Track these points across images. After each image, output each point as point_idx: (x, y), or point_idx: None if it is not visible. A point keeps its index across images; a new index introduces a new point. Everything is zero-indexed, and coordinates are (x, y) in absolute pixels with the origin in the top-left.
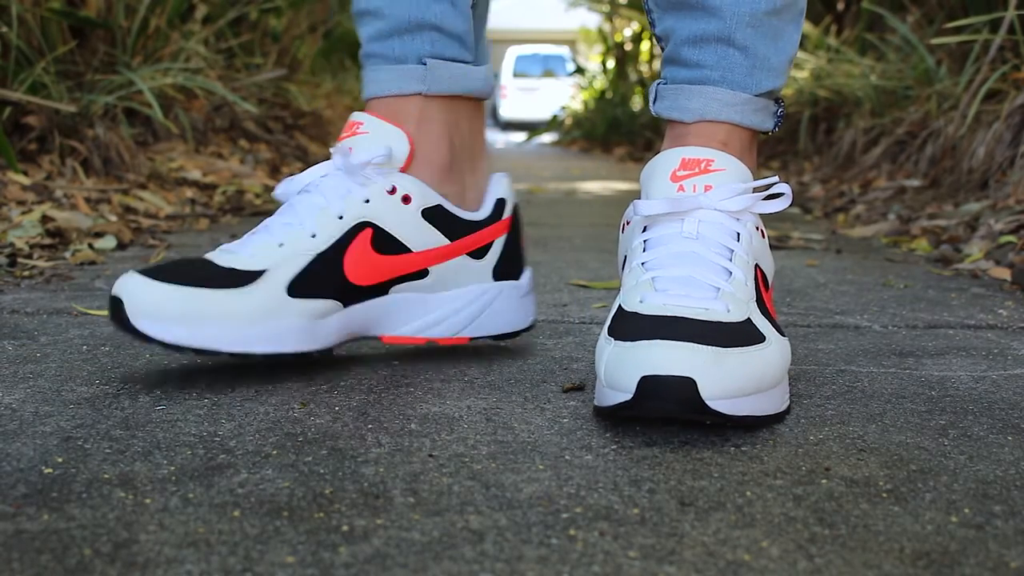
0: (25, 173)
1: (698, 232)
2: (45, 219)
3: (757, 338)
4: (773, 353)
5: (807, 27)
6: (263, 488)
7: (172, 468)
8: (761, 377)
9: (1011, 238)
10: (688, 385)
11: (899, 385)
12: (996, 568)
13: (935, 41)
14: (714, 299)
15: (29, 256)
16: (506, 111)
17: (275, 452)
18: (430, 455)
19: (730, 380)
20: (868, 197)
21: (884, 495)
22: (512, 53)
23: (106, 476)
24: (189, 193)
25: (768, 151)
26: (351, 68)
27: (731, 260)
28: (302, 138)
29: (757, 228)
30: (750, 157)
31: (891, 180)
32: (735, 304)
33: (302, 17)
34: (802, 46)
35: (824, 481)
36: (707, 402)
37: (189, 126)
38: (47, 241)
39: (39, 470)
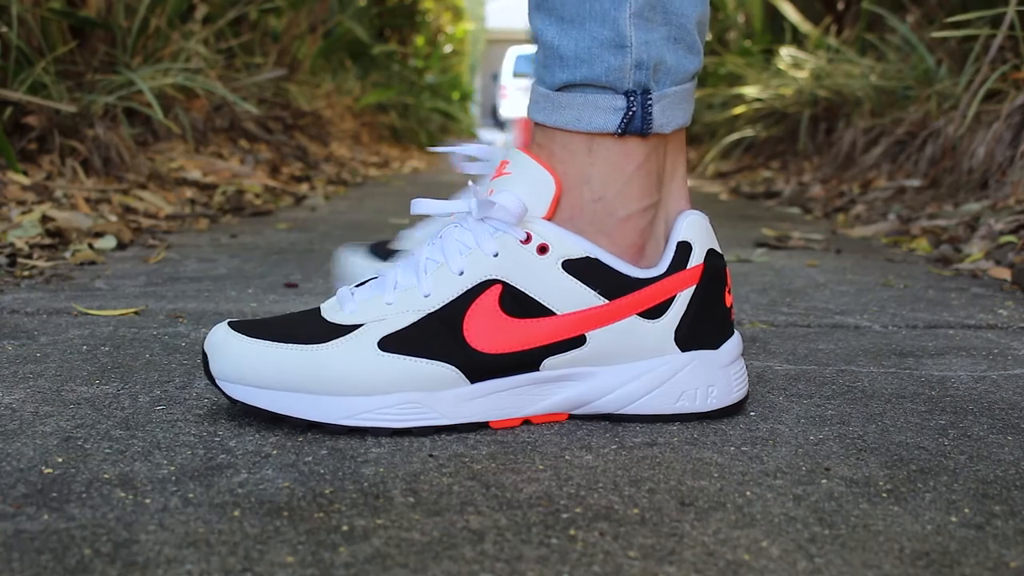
0: (25, 173)
1: (442, 235)
2: (45, 219)
3: (324, 339)
4: (332, 357)
5: (807, 27)
6: (263, 488)
7: (172, 468)
8: (288, 376)
9: (1011, 238)
10: (205, 359)
11: (899, 385)
12: (996, 568)
13: (935, 35)
14: (352, 301)
15: (29, 256)
16: (506, 111)
17: (275, 452)
18: (430, 455)
19: (237, 366)
20: (868, 197)
21: (884, 495)
22: (512, 53)
23: (106, 476)
24: (189, 193)
25: (768, 151)
26: (351, 68)
27: (424, 269)
28: (302, 138)
29: (527, 241)
30: (591, 161)
31: (891, 180)
32: (366, 308)
33: (302, 17)
34: (802, 46)
35: (824, 481)
36: (215, 377)
37: (189, 126)
38: (47, 241)
39: (39, 470)
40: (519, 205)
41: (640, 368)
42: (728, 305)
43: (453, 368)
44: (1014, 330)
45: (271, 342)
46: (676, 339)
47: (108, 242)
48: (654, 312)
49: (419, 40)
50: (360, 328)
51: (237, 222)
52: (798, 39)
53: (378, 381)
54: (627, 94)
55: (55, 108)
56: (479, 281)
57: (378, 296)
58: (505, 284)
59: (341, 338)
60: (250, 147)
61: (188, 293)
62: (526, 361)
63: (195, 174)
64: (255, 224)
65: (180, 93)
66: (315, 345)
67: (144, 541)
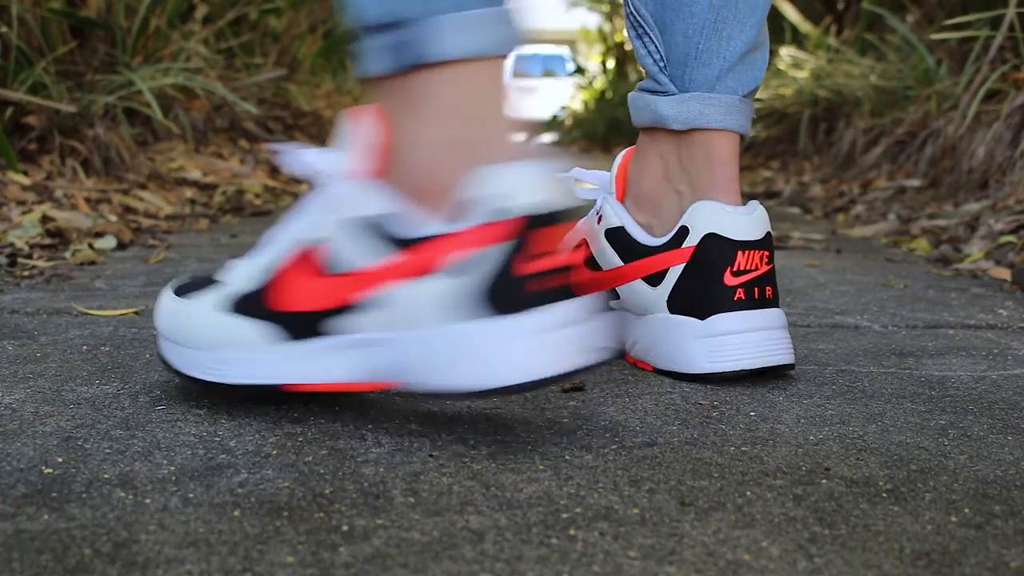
0: (25, 173)
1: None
2: (45, 219)
3: (197, 294)
4: (189, 310)
5: (807, 27)
6: (263, 488)
7: (172, 468)
8: (168, 326)
9: (1011, 238)
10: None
11: (899, 385)
12: (996, 568)
13: (935, 36)
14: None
15: (29, 256)
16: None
17: (275, 452)
18: (430, 455)
19: (158, 318)
20: (868, 197)
21: (884, 495)
22: (512, 53)
23: (106, 476)
24: (189, 193)
25: (768, 151)
26: (351, 68)
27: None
28: (302, 138)
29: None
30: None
31: (891, 180)
32: (236, 270)
33: (302, 17)
34: (802, 46)
35: (824, 481)
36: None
37: (189, 126)
38: (47, 241)
39: (39, 470)
40: (332, 164)
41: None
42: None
43: (275, 326)
44: (1014, 330)
45: (178, 297)
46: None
47: (108, 242)
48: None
49: None
50: (215, 285)
51: (237, 222)
52: (798, 39)
53: (213, 336)
54: (389, 26)
55: (55, 108)
56: (298, 242)
57: (247, 260)
58: (320, 245)
59: (200, 293)
60: (250, 147)
61: None
62: (327, 318)
63: (195, 174)
64: (255, 224)
65: (180, 93)
66: (186, 298)
67: (144, 541)
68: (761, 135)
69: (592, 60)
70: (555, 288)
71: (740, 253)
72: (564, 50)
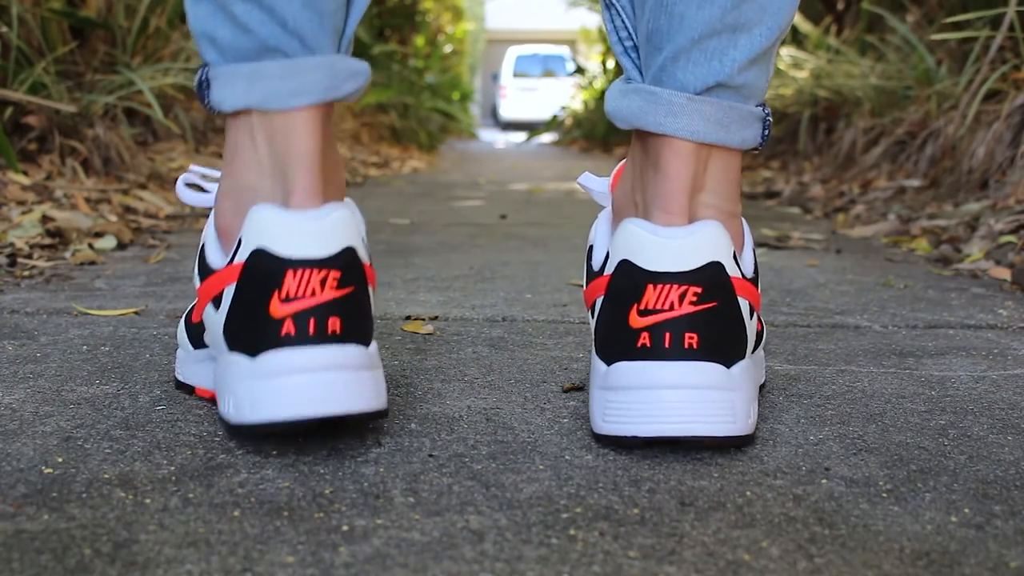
0: (25, 173)
1: None
2: (45, 219)
3: None
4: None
5: (807, 27)
6: (263, 488)
7: (172, 468)
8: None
9: (1011, 238)
10: None
11: (899, 385)
12: (996, 568)
13: (935, 36)
14: None
15: (29, 256)
16: (506, 111)
17: (275, 452)
18: (430, 455)
19: None
20: (868, 197)
21: (884, 495)
22: (512, 53)
23: (106, 476)
24: None
25: (768, 151)
26: None
27: None
28: None
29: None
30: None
31: (891, 180)
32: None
33: None
34: (802, 46)
35: (824, 481)
36: None
37: (189, 126)
38: (47, 241)
39: (39, 470)
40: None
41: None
42: (272, 315)
43: (184, 333)
44: (1014, 330)
45: None
46: (224, 332)
47: (108, 242)
48: (215, 302)
49: (419, 40)
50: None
51: None
52: (798, 39)
53: (180, 337)
54: (200, 68)
55: (55, 108)
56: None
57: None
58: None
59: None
60: None
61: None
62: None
63: None
64: None
65: (180, 93)
66: None
67: (144, 541)
68: None
69: (592, 60)
70: (302, 332)
71: (651, 287)
72: (564, 50)
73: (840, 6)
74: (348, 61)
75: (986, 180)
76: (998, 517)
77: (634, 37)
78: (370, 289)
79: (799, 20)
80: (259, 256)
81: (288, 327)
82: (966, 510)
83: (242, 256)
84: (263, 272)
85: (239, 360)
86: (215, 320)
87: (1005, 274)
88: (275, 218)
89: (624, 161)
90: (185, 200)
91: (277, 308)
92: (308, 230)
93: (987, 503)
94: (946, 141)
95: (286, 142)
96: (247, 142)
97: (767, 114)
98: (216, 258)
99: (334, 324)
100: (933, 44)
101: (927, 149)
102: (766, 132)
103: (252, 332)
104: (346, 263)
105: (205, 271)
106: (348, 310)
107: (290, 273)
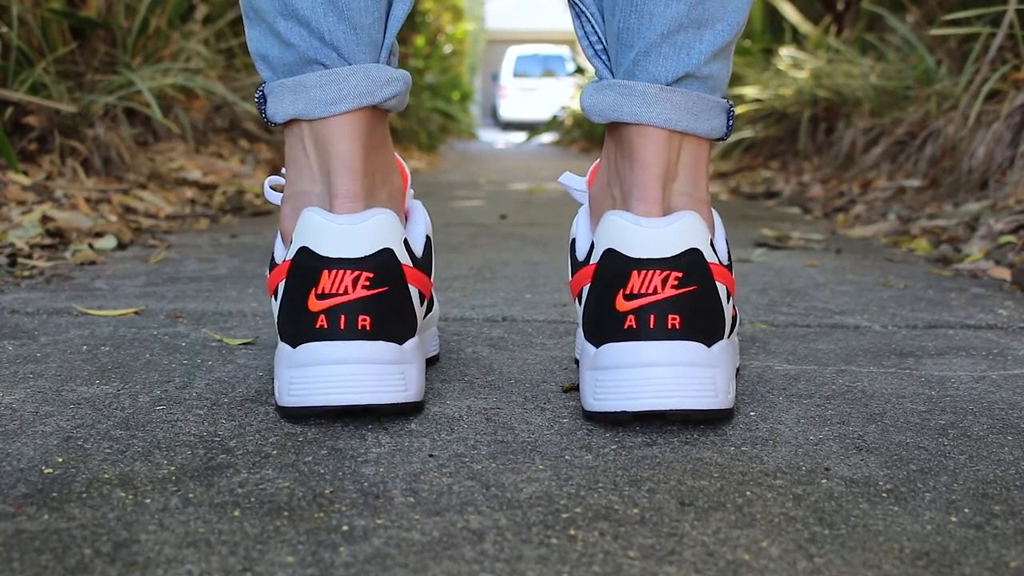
0: (25, 173)
1: None
2: (45, 219)
3: None
4: None
5: (807, 27)
6: (263, 488)
7: (172, 468)
8: None
9: (1011, 238)
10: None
11: (899, 385)
12: (996, 568)
13: (934, 32)
14: None
15: (29, 256)
16: (506, 111)
17: (275, 452)
18: (430, 455)
19: None
20: (868, 197)
21: (884, 495)
22: (512, 53)
23: (106, 476)
24: (189, 193)
25: (768, 151)
26: None
27: None
28: None
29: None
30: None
31: (891, 180)
32: None
33: None
34: (802, 46)
35: (824, 481)
36: None
37: (189, 126)
38: (47, 241)
39: (39, 470)
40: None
41: None
42: (310, 309)
43: None
44: (1014, 330)
45: None
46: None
47: (108, 242)
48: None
49: (419, 40)
50: None
51: (237, 222)
52: (798, 39)
53: None
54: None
55: (55, 108)
56: None
57: None
58: None
59: None
60: (250, 147)
61: (188, 293)
62: None
63: (195, 174)
64: (255, 224)
65: (180, 93)
66: None
67: (144, 541)
68: (761, 135)
69: None
70: (334, 326)
71: (635, 273)
72: (564, 50)
73: (840, 6)
74: (384, 69)
75: (986, 180)
76: (998, 517)
77: (604, 40)
78: (413, 289)
79: (799, 20)
80: (303, 254)
81: (322, 321)
82: (966, 510)
83: (291, 254)
84: (305, 269)
85: (284, 348)
86: (273, 309)
87: (1005, 274)
88: (317, 221)
89: (599, 160)
90: (273, 201)
91: (313, 303)
92: (344, 233)
93: (987, 503)
94: (946, 141)
95: (328, 148)
96: (299, 150)
97: (731, 106)
98: (279, 255)
99: (364, 321)
100: (933, 44)
101: (927, 149)
102: (730, 123)
103: (294, 324)
104: (380, 264)
105: (272, 267)
106: (380, 309)
107: (325, 272)
